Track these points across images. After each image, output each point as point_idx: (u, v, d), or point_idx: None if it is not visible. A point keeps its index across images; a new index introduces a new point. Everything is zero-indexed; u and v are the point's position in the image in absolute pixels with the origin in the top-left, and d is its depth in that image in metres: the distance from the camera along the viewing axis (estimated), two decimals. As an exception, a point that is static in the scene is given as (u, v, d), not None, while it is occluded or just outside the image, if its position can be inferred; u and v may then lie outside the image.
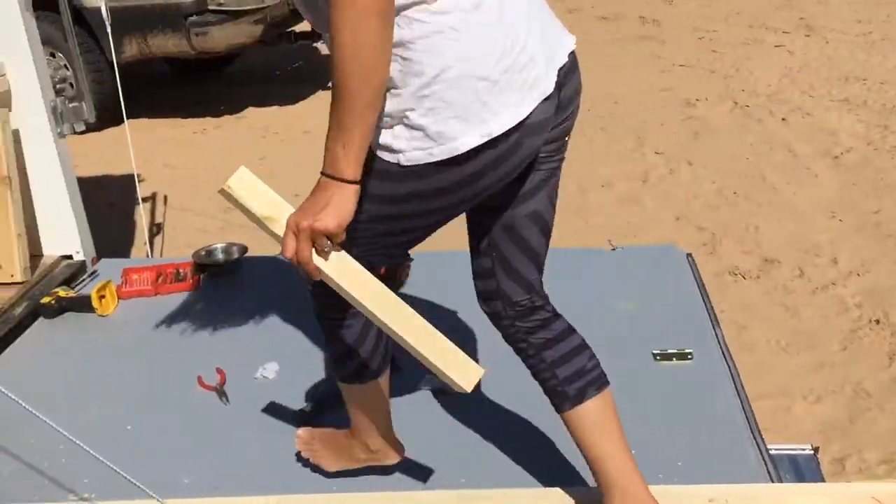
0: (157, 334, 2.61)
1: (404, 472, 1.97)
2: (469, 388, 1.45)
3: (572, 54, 1.56)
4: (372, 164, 1.43)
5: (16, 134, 2.81)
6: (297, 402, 2.24)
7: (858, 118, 5.46)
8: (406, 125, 1.42)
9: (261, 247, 2.96)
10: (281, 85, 6.90)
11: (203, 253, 3.00)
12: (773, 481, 1.88)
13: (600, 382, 1.69)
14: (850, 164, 4.83)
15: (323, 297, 1.61)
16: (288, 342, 2.53)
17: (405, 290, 2.77)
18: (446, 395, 2.22)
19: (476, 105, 1.40)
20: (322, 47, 6.99)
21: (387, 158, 1.45)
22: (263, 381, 2.35)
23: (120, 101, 3.26)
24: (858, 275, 3.72)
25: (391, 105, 1.41)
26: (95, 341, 2.61)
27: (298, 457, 1.96)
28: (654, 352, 2.36)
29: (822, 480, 2.05)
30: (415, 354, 1.46)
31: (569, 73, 1.54)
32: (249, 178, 1.41)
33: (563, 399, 1.68)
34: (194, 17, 5.68)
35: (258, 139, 5.79)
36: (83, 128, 2.97)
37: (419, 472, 1.97)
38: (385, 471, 1.95)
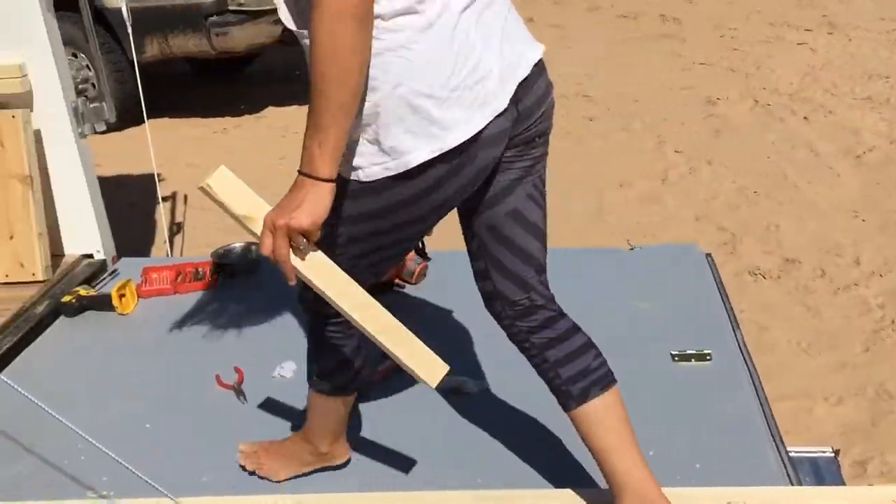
0: (176, 333, 2.63)
1: (418, 472, 1.97)
2: (434, 384, 1.52)
3: (538, 64, 1.57)
4: (340, 187, 1.46)
5: (37, 134, 2.84)
6: (315, 402, 2.24)
7: (881, 116, 5.40)
8: (366, 139, 1.46)
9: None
10: (300, 85, 6.84)
11: (222, 252, 3.02)
12: (792, 484, 1.86)
13: (605, 382, 1.68)
14: (872, 163, 4.78)
15: (321, 308, 1.62)
16: (305, 341, 2.53)
17: (419, 289, 2.77)
18: (460, 395, 2.22)
19: (425, 122, 1.43)
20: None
21: (350, 176, 1.49)
22: (281, 379, 2.36)
23: (141, 101, 3.28)
24: (881, 275, 3.68)
25: (355, 120, 1.43)
26: (115, 340, 2.63)
27: (243, 469, 1.98)
28: (673, 352, 2.34)
29: (843, 484, 2.03)
30: (385, 350, 1.52)
31: (529, 86, 1.55)
32: (229, 177, 1.44)
33: (567, 398, 1.69)
34: (214, 18, 5.72)
35: (278, 139, 5.81)
36: (104, 128, 2.99)
37: (434, 473, 1.96)
38: (399, 470, 1.95)
